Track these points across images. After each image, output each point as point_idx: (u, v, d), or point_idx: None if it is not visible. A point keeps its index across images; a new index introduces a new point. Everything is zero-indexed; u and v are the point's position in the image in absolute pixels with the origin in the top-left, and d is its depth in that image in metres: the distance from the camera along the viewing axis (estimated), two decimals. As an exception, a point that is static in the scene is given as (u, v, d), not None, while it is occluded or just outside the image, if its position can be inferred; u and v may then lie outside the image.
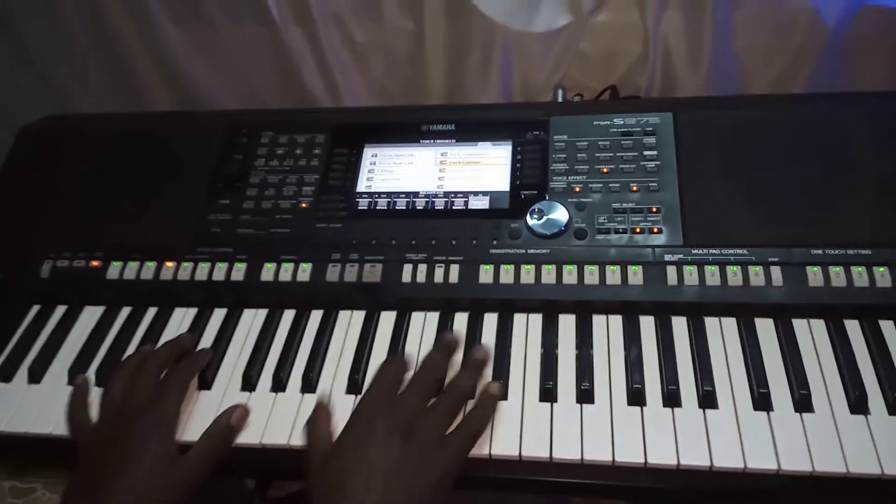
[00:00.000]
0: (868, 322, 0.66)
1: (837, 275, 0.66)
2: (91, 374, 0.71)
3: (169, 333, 0.74)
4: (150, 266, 0.76)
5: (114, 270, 0.77)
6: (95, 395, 0.67)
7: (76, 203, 0.83)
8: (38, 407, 0.69)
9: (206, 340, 0.72)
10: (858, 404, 0.60)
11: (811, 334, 0.66)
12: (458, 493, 0.72)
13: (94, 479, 0.57)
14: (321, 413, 0.61)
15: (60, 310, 0.78)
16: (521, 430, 0.61)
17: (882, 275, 0.66)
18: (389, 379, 0.60)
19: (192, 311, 0.75)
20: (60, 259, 0.79)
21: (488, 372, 0.64)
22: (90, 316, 0.76)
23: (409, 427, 0.56)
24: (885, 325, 0.66)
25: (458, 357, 0.65)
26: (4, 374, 0.72)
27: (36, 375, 0.71)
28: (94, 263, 0.78)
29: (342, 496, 0.53)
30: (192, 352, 0.69)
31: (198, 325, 0.74)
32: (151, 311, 0.76)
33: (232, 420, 0.62)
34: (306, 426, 0.61)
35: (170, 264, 0.76)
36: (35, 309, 0.78)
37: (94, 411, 0.65)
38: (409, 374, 0.61)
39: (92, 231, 0.80)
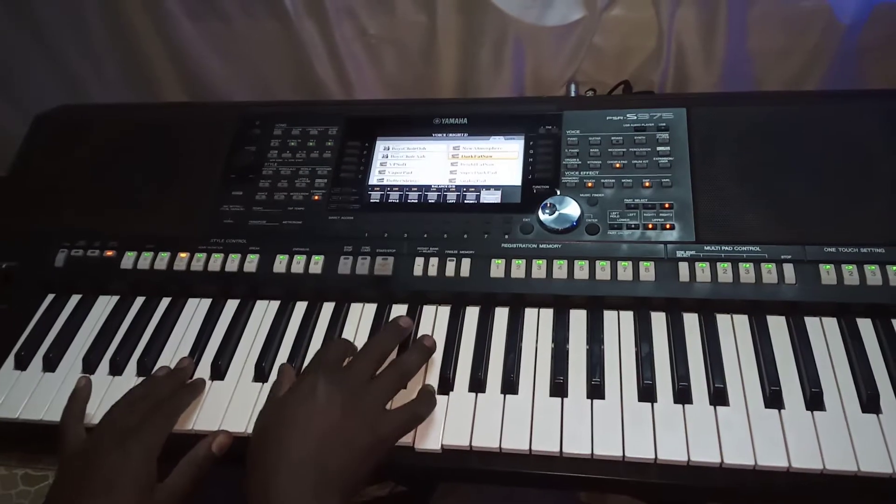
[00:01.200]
0: (881, 321, 0.66)
1: (850, 273, 0.66)
2: (105, 362, 0.71)
3: (182, 324, 0.74)
4: (164, 256, 0.77)
5: (128, 260, 0.77)
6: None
7: (90, 192, 0.84)
8: (52, 395, 0.69)
9: (219, 331, 0.73)
10: (870, 403, 0.60)
11: (823, 332, 0.66)
12: (466, 487, 0.72)
13: (71, 496, 0.56)
14: (286, 373, 0.63)
15: (75, 299, 0.78)
16: (532, 424, 0.62)
17: (895, 273, 0.66)
18: (335, 350, 0.62)
19: (206, 302, 0.76)
20: (75, 248, 0.79)
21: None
22: (104, 305, 0.77)
23: (351, 390, 0.57)
24: (898, 324, 0.66)
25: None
26: (19, 362, 0.72)
27: (51, 364, 0.72)
28: (109, 253, 0.78)
29: (277, 446, 0.54)
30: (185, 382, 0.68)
31: (211, 316, 0.74)
32: (165, 302, 0.76)
33: (213, 447, 0.61)
34: (272, 388, 0.62)
35: (183, 255, 0.76)
36: (49, 298, 0.79)
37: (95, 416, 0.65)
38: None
39: (106, 221, 0.81)
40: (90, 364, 0.71)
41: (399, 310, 0.73)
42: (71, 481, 0.58)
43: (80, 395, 0.65)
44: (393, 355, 0.64)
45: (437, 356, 0.67)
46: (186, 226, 0.79)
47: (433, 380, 0.66)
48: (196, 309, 0.75)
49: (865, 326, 0.66)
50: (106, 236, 0.79)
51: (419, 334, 0.70)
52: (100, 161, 0.86)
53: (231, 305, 0.75)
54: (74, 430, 0.62)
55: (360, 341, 0.69)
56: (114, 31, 1.10)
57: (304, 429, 0.55)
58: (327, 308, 0.74)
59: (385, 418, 0.58)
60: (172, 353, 0.72)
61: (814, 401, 0.60)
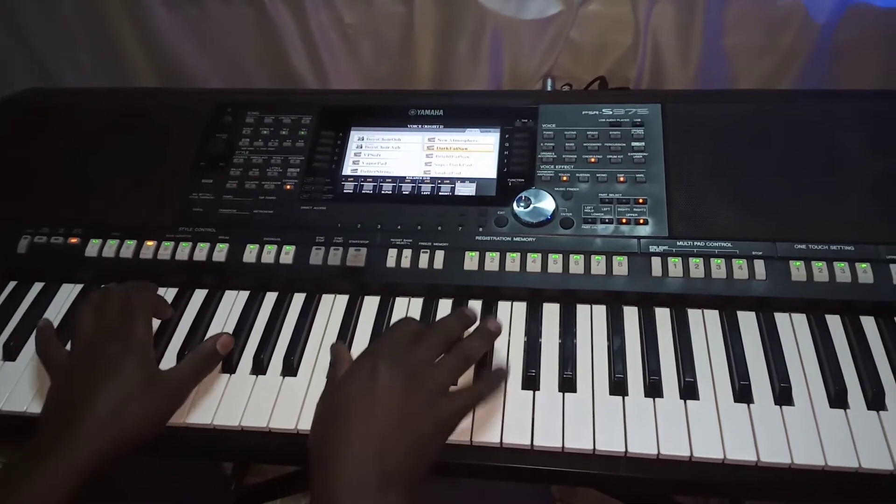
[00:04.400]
0: (850, 317, 0.66)
1: (820, 270, 0.67)
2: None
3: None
4: (130, 244, 0.75)
5: (93, 248, 0.75)
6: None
7: (56, 178, 0.82)
8: (12, 384, 0.68)
9: (187, 321, 0.72)
10: (838, 398, 0.60)
11: (793, 328, 0.66)
12: (439, 481, 0.72)
13: (70, 398, 0.57)
14: (341, 354, 0.61)
15: (38, 286, 0.77)
16: (504, 417, 0.61)
17: (864, 271, 0.66)
18: (402, 331, 0.59)
19: (173, 292, 0.74)
20: (39, 235, 0.77)
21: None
22: (67, 293, 0.75)
23: (414, 372, 0.55)
24: (866, 321, 0.66)
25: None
26: (-22, 351, 0.70)
27: (11, 353, 0.70)
28: (73, 240, 0.76)
29: (339, 434, 0.52)
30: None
31: (178, 306, 0.73)
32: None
33: (218, 345, 0.63)
34: (329, 372, 0.62)
35: (150, 243, 0.75)
36: (11, 285, 0.77)
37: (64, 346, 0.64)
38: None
39: (71, 207, 0.79)
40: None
41: (371, 301, 0.72)
42: (67, 390, 0.59)
43: (45, 328, 0.65)
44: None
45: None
46: (154, 213, 0.77)
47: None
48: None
49: (834, 323, 0.67)
50: (71, 223, 0.78)
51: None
52: (67, 146, 0.84)
53: (199, 295, 0.74)
54: (55, 350, 0.63)
55: (330, 333, 0.69)
56: (86, 15, 1.07)
57: (366, 417, 0.53)
58: (298, 299, 0.73)
59: (447, 402, 0.56)
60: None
61: (783, 396, 0.61)
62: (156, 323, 0.71)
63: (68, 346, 0.63)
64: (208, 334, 0.70)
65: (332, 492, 0.50)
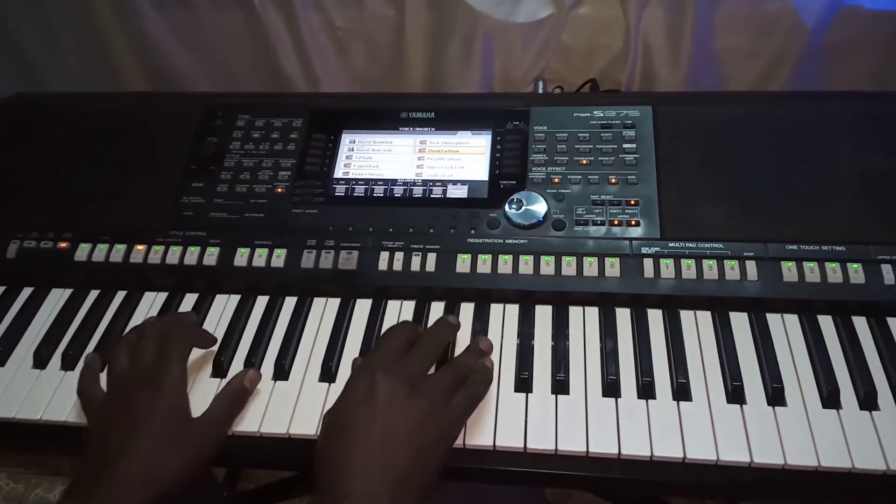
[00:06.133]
0: (842, 318, 0.67)
1: (812, 270, 0.67)
2: (57, 357, 0.69)
3: (137, 317, 0.72)
4: (120, 248, 0.75)
5: (82, 252, 0.75)
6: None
7: (45, 182, 0.81)
8: (1, 390, 0.67)
9: (177, 325, 0.71)
10: (831, 399, 0.60)
11: (785, 329, 0.66)
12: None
13: (104, 447, 0.56)
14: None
15: (27, 291, 0.76)
16: (496, 420, 0.61)
17: (856, 271, 0.67)
18: (396, 341, 0.60)
19: (163, 296, 0.74)
20: (28, 239, 0.77)
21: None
22: (57, 298, 0.75)
23: (413, 384, 0.56)
24: (858, 321, 0.66)
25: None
26: (-34, 357, 0.70)
27: (0, 358, 0.69)
28: (62, 245, 0.76)
29: (344, 450, 0.53)
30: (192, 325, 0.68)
31: (168, 310, 0.72)
32: (120, 295, 0.74)
33: (245, 381, 0.63)
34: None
35: (140, 247, 0.74)
36: (0, 290, 0.76)
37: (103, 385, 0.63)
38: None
39: (61, 212, 0.79)
40: (41, 359, 0.69)
41: (363, 305, 0.72)
42: (102, 436, 0.57)
43: (91, 367, 0.64)
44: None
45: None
46: (144, 218, 0.77)
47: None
48: (153, 302, 0.73)
49: (826, 323, 0.67)
50: (60, 228, 0.77)
51: (384, 329, 0.69)
52: (56, 151, 0.83)
53: (189, 299, 0.73)
54: (92, 390, 0.62)
55: (321, 337, 0.69)
56: (76, 19, 1.07)
57: (370, 430, 0.53)
58: (289, 302, 0.72)
59: (447, 409, 0.56)
60: (128, 348, 0.69)
61: (775, 396, 0.61)
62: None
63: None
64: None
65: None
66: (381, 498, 0.50)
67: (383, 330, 0.69)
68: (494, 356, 0.65)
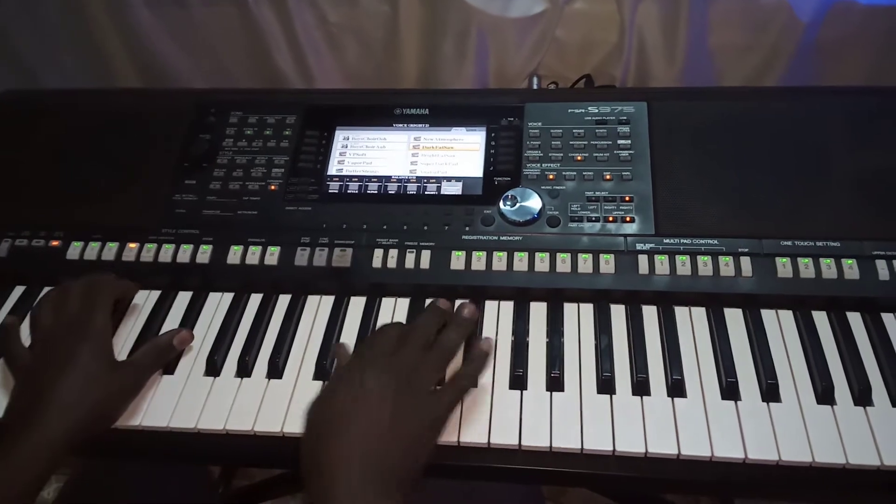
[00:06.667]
0: (836, 314, 0.67)
1: (806, 266, 0.67)
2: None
3: (130, 316, 0.72)
4: (112, 247, 0.74)
5: (74, 250, 0.74)
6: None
7: (36, 180, 0.81)
8: (-8, 390, 0.66)
9: (170, 323, 0.71)
10: (825, 395, 0.60)
11: (780, 325, 0.66)
12: (426, 482, 0.71)
13: (32, 392, 0.60)
14: (343, 354, 0.62)
15: (19, 290, 0.76)
16: (491, 417, 0.61)
17: (850, 267, 0.66)
18: (385, 336, 0.60)
19: (156, 294, 0.73)
20: (19, 238, 0.76)
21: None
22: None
23: (401, 376, 0.56)
24: (853, 317, 0.66)
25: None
26: (-43, 356, 0.69)
27: (-10, 357, 0.69)
28: (54, 243, 0.75)
29: (333, 443, 0.53)
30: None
31: (161, 308, 0.72)
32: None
33: (175, 340, 0.66)
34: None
35: (133, 245, 0.74)
36: (-8, 289, 0.75)
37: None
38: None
39: (53, 210, 0.78)
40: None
41: (357, 302, 0.71)
42: (29, 383, 0.61)
43: (9, 326, 0.66)
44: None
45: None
46: (137, 215, 0.76)
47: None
48: (145, 301, 0.73)
49: (821, 319, 0.67)
50: (52, 226, 0.76)
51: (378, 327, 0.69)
52: (47, 148, 0.83)
53: (183, 297, 0.73)
54: (14, 347, 0.64)
55: (316, 335, 0.69)
56: (68, 15, 1.06)
57: (359, 424, 0.54)
58: (283, 300, 0.72)
59: (435, 400, 0.57)
60: (119, 347, 0.69)
61: (770, 392, 0.61)
62: (137, 325, 0.70)
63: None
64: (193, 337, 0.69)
65: (335, 499, 0.50)
66: (368, 489, 0.51)
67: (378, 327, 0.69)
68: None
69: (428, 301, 0.70)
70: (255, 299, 0.72)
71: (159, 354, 0.66)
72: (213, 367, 0.66)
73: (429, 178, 0.77)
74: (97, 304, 0.65)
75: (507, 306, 0.70)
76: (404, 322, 0.67)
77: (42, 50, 1.11)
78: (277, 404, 0.63)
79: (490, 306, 0.70)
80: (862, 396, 0.60)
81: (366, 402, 0.54)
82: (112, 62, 1.12)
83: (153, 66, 1.11)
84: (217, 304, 0.72)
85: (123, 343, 0.69)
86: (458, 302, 0.64)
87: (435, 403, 0.57)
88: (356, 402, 0.55)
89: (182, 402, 0.64)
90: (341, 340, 0.69)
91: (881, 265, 0.67)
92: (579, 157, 0.76)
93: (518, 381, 0.63)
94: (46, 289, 0.74)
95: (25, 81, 1.12)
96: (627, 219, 0.71)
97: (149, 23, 1.06)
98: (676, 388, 0.62)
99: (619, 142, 0.76)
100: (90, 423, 0.59)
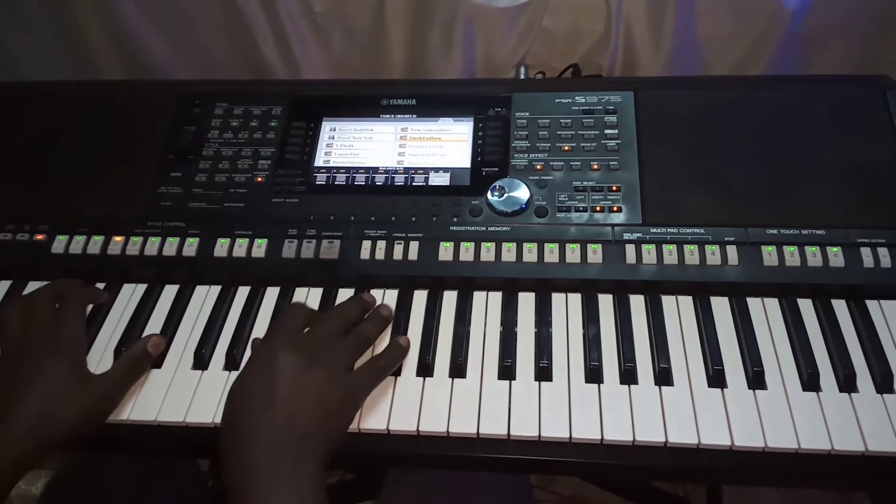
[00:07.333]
0: (821, 301, 0.67)
1: (792, 254, 0.67)
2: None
3: (116, 310, 0.71)
4: (98, 240, 0.73)
5: (59, 244, 0.74)
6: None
7: (20, 173, 0.80)
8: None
9: (158, 317, 0.70)
10: (811, 382, 0.61)
11: (765, 313, 0.67)
12: (416, 472, 0.71)
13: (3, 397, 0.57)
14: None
15: (4, 285, 0.75)
16: (480, 407, 0.61)
17: (835, 255, 0.67)
18: (294, 317, 0.62)
19: (142, 287, 0.73)
20: (3, 232, 0.75)
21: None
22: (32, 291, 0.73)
23: (311, 351, 0.58)
24: (838, 305, 0.67)
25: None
26: (-59, 351, 0.68)
27: (-25, 353, 0.68)
28: (39, 237, 0.75)
29: (244, 418, 0.54)
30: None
31: (147, 301, 0.71)
32: (99, 287, 0.73)
33: (149, 346, 0.64)
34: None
35: (118, 238, 0.73)
36: (-24, 283, 0.75)
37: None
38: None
39: (37, 203, 0.77)
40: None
41: (346, 294, 0.71)
42: (1, 386, 0.58)
43: None
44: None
45: (383, 341, 0.66)
46: (122, 209, 0.76)
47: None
48: (132, 295, 0.72)
49: (806, 307, 0.67)
50: (36, 219, 0.76)
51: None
52: (30, 140, 0.82)
53: (169, 291, 0.72)
54: None
55: (304, 326, 0.68)
56: (50, 5, 1.04)
57: (269, 394, 0.55)
58: (271, 293, 0.72)
59: (350, 375, 0.59)
60: (106, 341, 0.68)
61: (756, 380, 0.61)
62: (124, 319, 0.70)
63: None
64: (180, 330, 0.69)
65: (250, 462, 0.51)
66: (284, 448, 0.52)
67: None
68: (478, 343, 0.66)
69: (415, 293, 0.71)
70: (243, 292, 0.72)
71: (134, 365, 0.64)
72: (201, 361, 0.66)
73: (416, 169, 0.76)
74: (68, 314, 0.63)
75: (496, 297, 0.70)
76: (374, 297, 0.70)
77: (24, 41, 1.09)
78: (266, 397, 0.63)
79: (479, 297, 0.70)
80: (847, 383, 0.61)
81: (276, 377, 0.55)
82: (96, 53, 1.11)
83: (137, 57, 1.10)
84: (204, 297, 0.72)
85: (108, 341, 0.69)
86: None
87: (349, 377, 0.59)
88: (264, 376, 0.56)
89: (170, 395, 0.64)
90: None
91: (866, 253, 0.67)
92: (566, 147, 0.76)
93: (507, 371, 0.63)
94: (31, 283, 0.74)
95: (7, 73, 1.11)
96: (615, 208, 0.71)
97: (133, 13, 1.04)
98: (663, 377, 0.62)
99: (607, 131, 0.76)
100: (58, 440, 0.57)
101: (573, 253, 0.69)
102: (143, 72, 1.11)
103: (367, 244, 0.71)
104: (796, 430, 0.58)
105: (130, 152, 0.80)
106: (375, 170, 0.77)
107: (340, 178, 0.76)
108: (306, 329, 0.62)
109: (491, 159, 0.76)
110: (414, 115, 0.80)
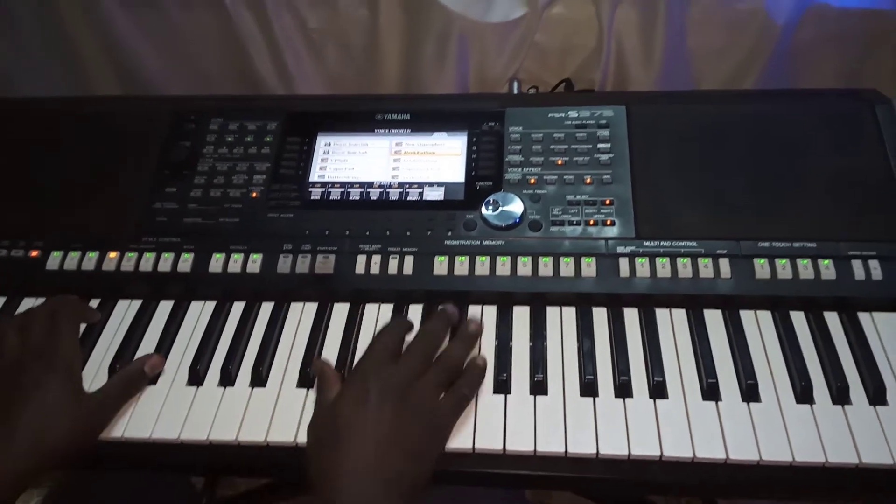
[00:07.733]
0: (813, 314, 0.67)
1: (784, 267, 0.68)
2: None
3: (111, 326, 0.71)
4: (92, 256, 0.73)
5: (53, 261, 0.74)
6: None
7: (14, 190, 0.80)
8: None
9: (153, 333, 0.70)
10: (804, 394, 0.61)
11: (758, 325, 0.67)
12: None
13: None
14: (328, 375, 0.62)
15: (-2, 301, 0.75)
16: (475, 422, 0.61)
17: (826, 267, 0.67)
18: (388, 341, 0.62)
19: (137, 303, 0.73)
20: (-2, 248, 0.75)
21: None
22: (28, 308, 0.73)
23: (403, 391, 0.58)
24: (830, 317, 0.67)
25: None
26: (-66, 369, 0.68)
27: (-31, 370, 0.68)
28: (33, 253, 0.75)
29: (336, 452, 0.54)
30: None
31: (142, 317, 0.71)
32: (93, 304, 0.73)
33: (146, 367, 0.64)
34: (318, 392, 0.62)
35: (113, 254, 0.73)
36: (-30, 301, 0.74)
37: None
38: (409, 338, 0.63)
39: (31, 220, 0.77)
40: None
41: (341, 309, 0.71)
42: None
43: None
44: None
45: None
46: (117, 224, 0.76)
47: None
48: (126, 311, 0.72)
49: (798, 319, 0.67)
50: (31, 236, 0.76)
51: (361, 333, 0.69)
52: (24, 157, 0.82)
53: (164, 306, 0.72)
54: None
55: (299, 342, 0.69)
56: (44, 21, 1.05)
57: (363, 436, 0.55)
58: (266, 308, 0.72)
59: (437, 412, 0.59)
60: (101, 357, 0.68)
61: (749, 392, 0.62)
62: (118, 335, 0.70)
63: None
64: (175, 346, 0.69)
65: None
66: (374, 496, 0.52)
67: (361, 334, 0.69)
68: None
69: (410, 307, 0.71)
70: (238, 307, 0.72)
71: (129, 384, 0.64)
72: (196, 377, 0.66)
73: (411, 184, 0.77)
74: (63, 332, 0.63)
75: (491, 311, 0.70)
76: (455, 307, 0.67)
77: (18, 57, 1.10)
78: (261, 413, 0.63)
79: (473, 311, 0.70)
80: (840, 395, 0.61)
81: (368, 416, 0.56)
82: (90, 69, 1.11)
83: (131, 72, 1.10)
84: (199, 312, 0.72)
85: (103, 357, 0.68)
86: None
87: (436, 415, 0.58)
88: (359, 413, 0.56)
89: (165, 412, 0.63)
90: (325, 347, 0.68)
91: (857, 265, 0.68)
92: (560, 161, 0.76)
93: (502, 385, 0.63)
94: (26, 300, 0.74)
95: (1, 89, 1.11)
96: (608, 222, 0.72)
97: (127, 29, 1.05)
98: (658, 390, 0.62)
99: (599, 145, 0.77)
100: (51, 457, 0.57)
101: (567, 266, 0.70)
102: (138, 87, 1.11)
103: (362, 259, 0.72)
104: (790, 442, 0.58)
105: (125, 168, 0.80)
106: (370, 184, 0.77)
107: (335, 193, 0.77)
108: (397, 357, 0.61)
109: (485, 173, 0.76)
110: (408, 130, 0.81)
